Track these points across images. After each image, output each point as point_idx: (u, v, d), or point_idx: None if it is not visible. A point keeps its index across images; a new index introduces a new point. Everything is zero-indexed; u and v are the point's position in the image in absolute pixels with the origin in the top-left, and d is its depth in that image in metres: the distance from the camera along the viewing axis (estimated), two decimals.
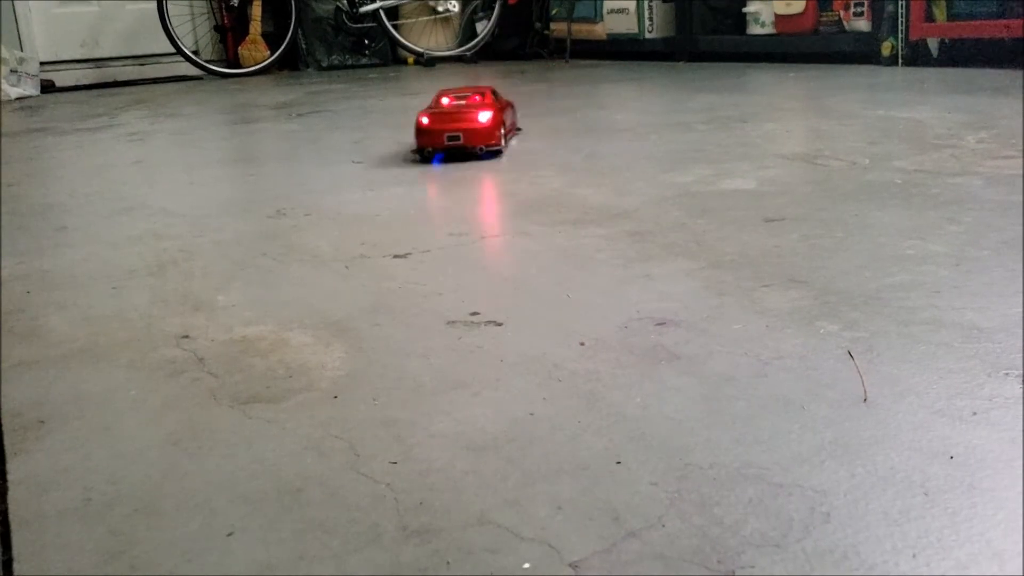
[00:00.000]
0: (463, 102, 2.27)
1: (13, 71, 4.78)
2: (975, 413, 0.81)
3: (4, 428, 0.89)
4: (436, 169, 2.15)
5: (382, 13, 5.31)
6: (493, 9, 5.53)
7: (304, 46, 5.60)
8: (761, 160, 2.01)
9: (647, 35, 4.88)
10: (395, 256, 1.42)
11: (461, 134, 2.18)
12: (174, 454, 0.82)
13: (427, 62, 5.43)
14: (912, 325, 1.01)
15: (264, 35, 5.38)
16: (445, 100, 2.28)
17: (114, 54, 5.53)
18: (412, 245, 1.47)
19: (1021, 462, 0.72)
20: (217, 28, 5.62)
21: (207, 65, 5.23)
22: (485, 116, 2.19)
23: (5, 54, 4.73)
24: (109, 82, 5.41)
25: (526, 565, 0.63)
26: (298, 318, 1.16)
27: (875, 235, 1.37)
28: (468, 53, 5.55)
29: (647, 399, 0.88)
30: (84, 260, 1.51)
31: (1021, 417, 0.79)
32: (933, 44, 3.82)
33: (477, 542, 0.66)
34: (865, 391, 0.86)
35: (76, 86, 5.29)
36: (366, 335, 1.09)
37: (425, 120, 2.20)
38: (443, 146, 2.19)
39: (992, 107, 2.56)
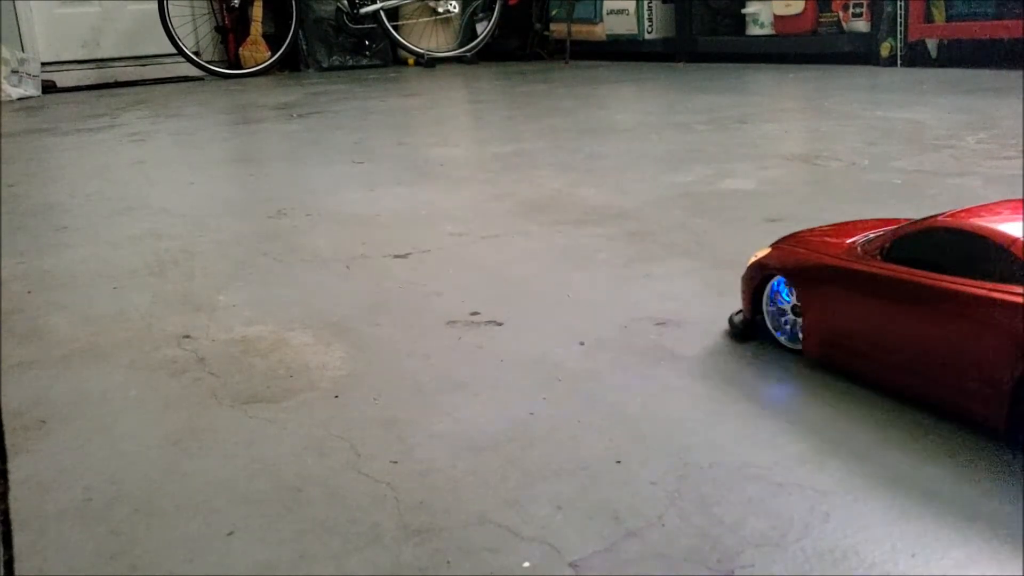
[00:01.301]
0: None
1: (14, 71, 4.79)
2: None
3: (5, 428, 0.89)
4: None
5: (383, 14, 5.31)
6: (493, 10, 5.53)
7: (305, 47, 5.60)
8: (761, 160, 2.01)
9: (647, 36, 4.88)
10: (395, 256, 1.42)
11: None
12: (174, 454, 0.82)
13: (427, 63, 5.43)
14: None
15: (265, 36, 5.38)
16: None
17: (115, 55, 5.53)
18: (412, 245, 1.47)
19: (1020, 462, 0.72)
20: (218, 29, 5.62)
21: (208, 66, 5.23)
22: None
23: (6, 54, 4.73)
24: (110, 83, 5.41)
25: (526, 564, 0.63)
26: (299, 318, 1.16)
27: None
28: (468, 54, 5.55)
29: (647, 399, 0.88)
30: (84, 260, 1.51)
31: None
32: (932, 45, 3.82)
33: (477, 542, 0.66)
34: None
35: (77, 86, 5.29)
36: (366, 335, 1.09)
37: None
38: None
39: (991, 107, 2.56)
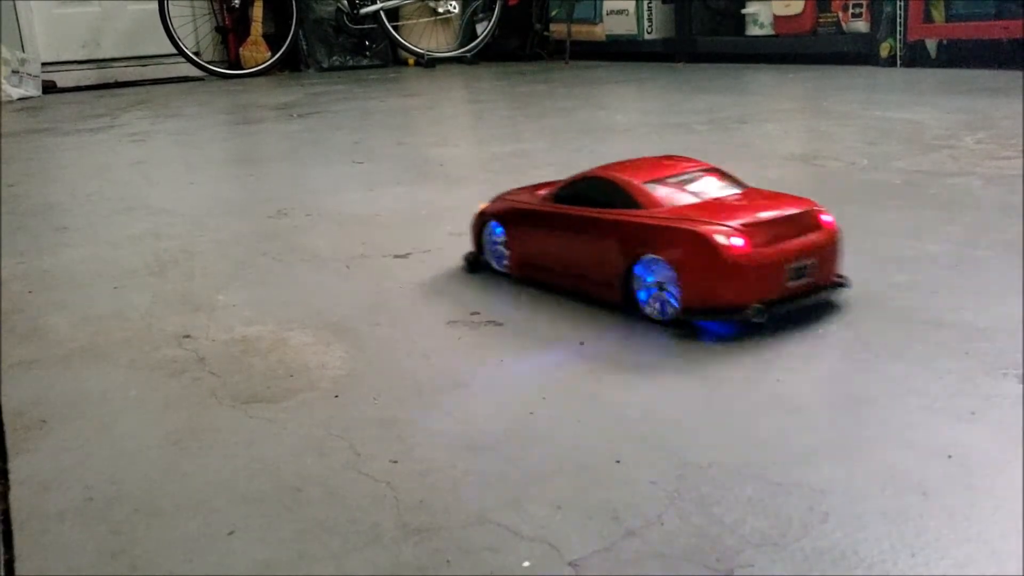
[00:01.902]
0: (710, 187, 1.11)
1: (15, 72, 4.79)
2: (973, 412, 0.81)
3: (6, 428, 0.89)
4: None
5: (383, 14, 5.31)
6: (493, 10, 5.53)
7: (305, 47, 5.60)
8: (760, 161, 2.01)
9: (646, 36, 4.88)
10: (395, 256, 1.42)
11: (815, 260, 1.04)
12: (174, 454, 0.82)
13: (427, 63, 5.43)
14: (911, 325, 1.02)
15: (265, 36, 5.38)
16: (664, 190, 1.09)
17: (115, 55, 5.53)
18: (412, 245, 1.47)
19: (1020, 462, 0.72)
20: (218, 29, 5.62)
21: (208, 66, 5.23)
22: (829, 217, 1.08)
23: (7, 55, 4.73)
24: (110, 83, 5.41)
25: (526, 564, 0.63)
26: (298, 318, 1.16)
27: (874, 235, 1.37)
28: (468, 54, 5.55)
29: (647, 399, 0.88)
30: (84, 260, 1.51)
31: (1021, 416, 0.79)
32: (931, 45, 3.82)
33: (477, 541, 0.66)
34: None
35: (77, 87, 5.29)
36: (366, 335, 1.09)
37: (740, 241, 0.99)
38: (781, 294, 1.02)
39: (990, 108, 2.56)
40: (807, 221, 1.05)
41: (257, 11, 5.32)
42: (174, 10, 4.98)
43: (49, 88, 5.11)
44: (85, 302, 1.28)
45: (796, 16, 4.18)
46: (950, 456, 0.74)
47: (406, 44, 5.48)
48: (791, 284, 1.02)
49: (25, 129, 3.48)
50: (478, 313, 1.14)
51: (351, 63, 5.70)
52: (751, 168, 1.93)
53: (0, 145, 3.01)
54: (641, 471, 0.74)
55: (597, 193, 1.13)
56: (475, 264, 1.31)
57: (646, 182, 1.10)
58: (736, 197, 1.09)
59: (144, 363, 1.04)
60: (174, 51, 5.04)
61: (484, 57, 5.62)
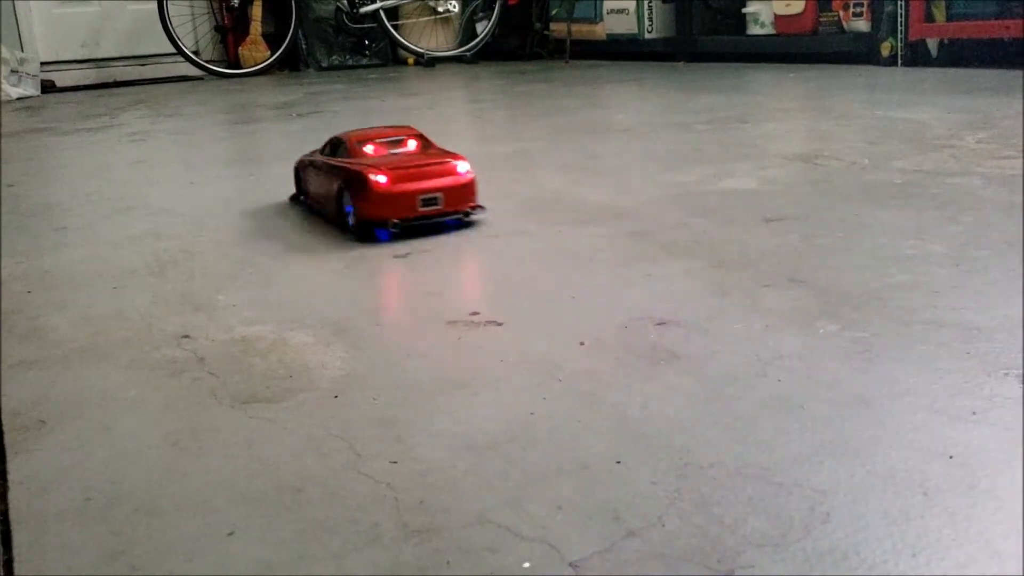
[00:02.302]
0: (407, 148, 1.63)
1: (14, 71, 4.79)
2: (974, 413, 0.81)
3: (5, 428, 0.89)
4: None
5: (382, 13, 5.31)
6: (493, 9, 5.53)
7: (304, 46, 5.60)
8: (761, 160, 2.01)
9: (647, 35, 4.88)
10: (395, 256, 1.42)
11: (441, 194, 1.52)
12: (174, 454, 0.82)
13: (427, 62, 5.43)
14: (912, 325, 1.02)
15: (264, 35, 5.38)
16: (370, 147, 1.61)
17: (115, 54, 5.53)
18: (412, 245, 1.47)
19: (1021, 462, 0.72)
20: (217, 28, 5.62)
21: (207, 65, 5.23)
22: (465, 166, 1.57)
23: (6, 54, 4.73)
24: (109, 82, 5.41)
25: (526, 565, 0.63)
26: (298, 318, 1.16)
27: (875, 235, 1.37)
28: (468, 53, 5.55)
29: (647, 399, 0.88)
30: (84, 260, 1.51)
31: (1021, 417, 0.79)
32: (932, 44, 3.82)
33: (477, 541, 0.66)
34: None
35: (77, 86, 5.29)
36: (366, 335, 1.09)
37: (383, 179, 1.48)
38: (415, 215, 1.51)
39: (992, 107, 2.56)
40: (443, 169, 1.54)
41: (256, 10, 5.32)
42: (173, 9, 4.98)
43: (48, 87, 5.11)
44: (85, 302, 1.28)
45: (797, 15, 4.18)
46: (951, 456, 0.74)
47: (406, 43, 5.48)
48: (423, 209, 1.51)
49: (24, 129, 3.48)
50: (478, 313, 1.14)
51: (351, 62, 5.70)
52: (752, 167, 1.93)
53: (0, 145, 3.01)
54: (641, 471, 0.74)
55: (337, 148, 1.67)
56: (295, 200, 1.86)
57: (359, 141, 1.62)
58: (411, 153, 1.62)
59: (144, 363, 1.04)
60: (173, 50, 5.04)
61: (484, 56, 5.62)
